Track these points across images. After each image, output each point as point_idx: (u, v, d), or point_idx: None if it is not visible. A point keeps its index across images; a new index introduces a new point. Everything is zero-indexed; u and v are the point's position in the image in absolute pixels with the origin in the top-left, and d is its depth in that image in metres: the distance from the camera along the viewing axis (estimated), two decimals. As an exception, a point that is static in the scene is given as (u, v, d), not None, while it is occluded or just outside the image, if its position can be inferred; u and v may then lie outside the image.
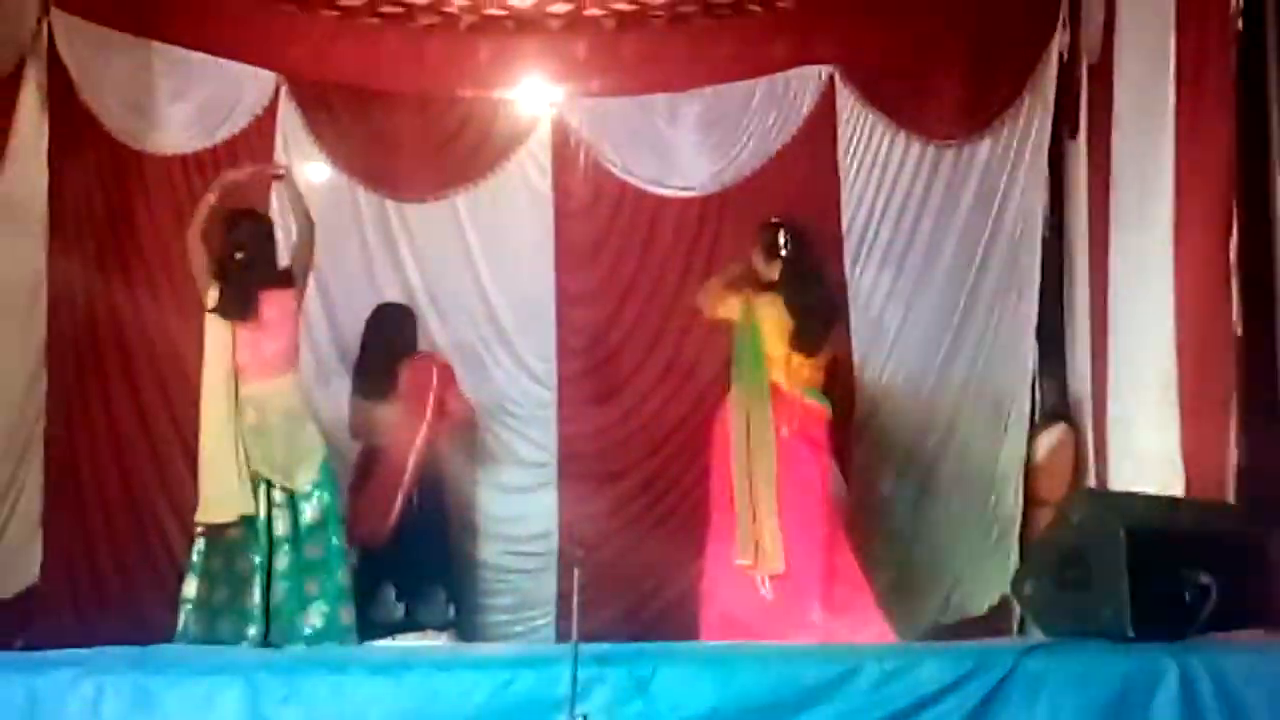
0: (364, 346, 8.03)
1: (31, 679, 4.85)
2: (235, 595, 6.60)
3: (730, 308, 7.14)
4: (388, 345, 8.01)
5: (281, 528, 6.72)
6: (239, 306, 6.85)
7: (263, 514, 6.65)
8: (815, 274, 7.23)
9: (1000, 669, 4.86)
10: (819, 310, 7.13)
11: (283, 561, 6.67)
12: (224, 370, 6.77)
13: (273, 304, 6.92)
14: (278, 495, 6.72)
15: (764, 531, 6.79)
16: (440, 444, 7.96)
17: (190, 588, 6.60)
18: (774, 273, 7.12)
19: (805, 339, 7.01)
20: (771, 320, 7.02)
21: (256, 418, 6.78)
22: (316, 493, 6.81)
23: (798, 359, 7.00)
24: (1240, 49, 5.76)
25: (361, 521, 7.54)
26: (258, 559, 6.59)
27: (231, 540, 6.65)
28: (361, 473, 7.83)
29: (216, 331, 6.83)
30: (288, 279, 7.05)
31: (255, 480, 6.69)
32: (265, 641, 6.46)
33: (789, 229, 7.18)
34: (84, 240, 8.13)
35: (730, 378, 7.16)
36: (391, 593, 7.75)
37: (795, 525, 6.85)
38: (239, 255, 6.93)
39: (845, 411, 8.09)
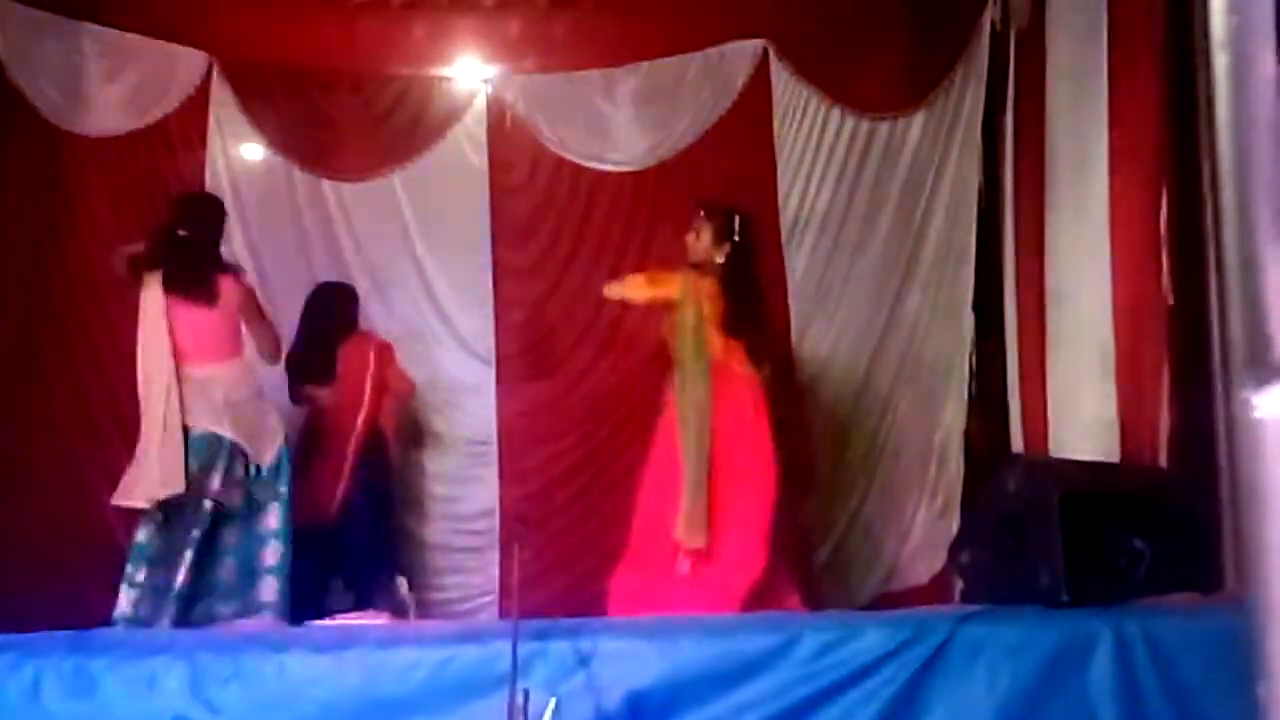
0: (303, 326, 7.98)
1: (-31, 664, 4.83)
2: (175, 573, 6.58)
3: (670, 285, 7.09)
4: (328, 325, 7.97)
5: (238, 501, 6.74)
6: (187, 282, 6.83)
7: (217, 483, 6.65)
8: (753, 262, 7.24)
9: (938, 636, 4.91)
10: (752, 298, 7.15)
11: (233, 537, 6.68)
12: (163, 348, 6.72)
13: (221, 288, 6.92)
14: (239, 470, 6.73)
15: (699, 509, 6.78)
16: (383, 424, 7.95)
17: (134, 571, 6.58)
18: (720, 255, 7.07)
19: (736, 324, 7.00)
20: (710, 300, 7.00)
21: (225, 395, 6.78)
22: (278, 475, 6.82)
23: (731, 341, 7.01)
24: (1170, 17, 5.81)
25: (305, 505, 7.51)
26: (196, 532, 6.57)
27: (176, 518, 6.62)
28: (303, 455, 7.79)
29: (153, 310, 6.77)
30: (235, 270, 7.09)
31: (231, 451, 6.70)
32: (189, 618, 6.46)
33: (741, 215, 7.19)
34: (18, 223, 8.06)
35: (673, 356, 7.13)
36: (338, 577, 7.72)
37: (737, 504, 6.84)
38: (182, 233, 6.92)
39: (784, 385, 8.12)
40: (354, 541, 7.69)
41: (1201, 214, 5.63)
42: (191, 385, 6.76)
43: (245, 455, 6.82)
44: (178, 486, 6.59)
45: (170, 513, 6.64)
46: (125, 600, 6.51)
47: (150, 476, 6.62)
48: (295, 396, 7.91)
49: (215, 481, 6.69)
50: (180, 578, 6.53)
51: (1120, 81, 6.28)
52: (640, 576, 6.78)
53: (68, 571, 7.58)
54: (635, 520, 6.94)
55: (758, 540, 6.75)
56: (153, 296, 6.79)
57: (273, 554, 6.77)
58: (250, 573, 6.73)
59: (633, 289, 7.23)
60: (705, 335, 6.90)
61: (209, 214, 7.17)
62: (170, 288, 6.81)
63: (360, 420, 7.75)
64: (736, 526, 6.73)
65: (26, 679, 4.78)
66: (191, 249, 6.94)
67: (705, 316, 6.92)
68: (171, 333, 6.78)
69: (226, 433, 6.72)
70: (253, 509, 6.81)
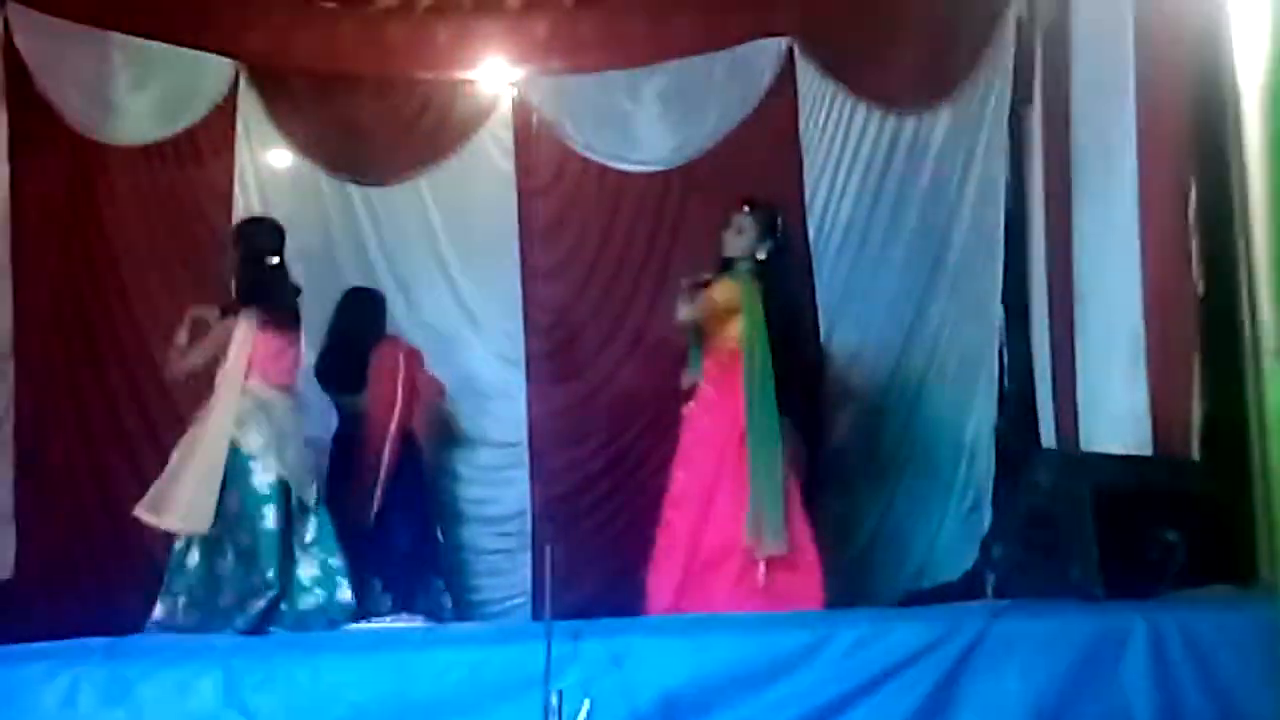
0: (332, 332, 8.00)
1: (6, 672, 4.86)
2: (219, 594, 6.55)
3: (732, 291, 6.99)
4: (358, 332, 8.00)
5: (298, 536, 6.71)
6: (289, 311, 6.87)
7: (272, 523, 6.57)
8: (793, 261, 7.26)
9: (971, 632, 4.91)
10: (795, 297, 7.17)
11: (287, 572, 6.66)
12: (239, 376, 6.68)
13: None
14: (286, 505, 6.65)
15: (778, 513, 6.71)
16: (414, 428, 7.96)
17: (170, 580, 6.55)
18: (762, 252, 7.01)
19: (782, 329, 6.99)
20: (760, 298, 6.95)
21: (278, 424, 6.71)
22: (320, 511, 6.79)
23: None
24: (1196, 6, 5.79)
25: (341, 510, 7.49)
26: (270, 573, 6.51)
27: (212, 541, 6.59)
28: (337, 463, 7.81)
29: (245, 338, 6.68)
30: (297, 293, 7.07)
31: (281, 485, 6.63)
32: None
33: (782, 213, 7.19)
34: (48, 232, 8.10)
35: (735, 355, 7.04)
36: (378, 583, 7.71)
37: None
38: (273, 260, 6.88)
39: (814, 380, 8.11)
40: (393, 546, 7.70)
41: (1230, 203, 5.60)
42: (254, 403, 6.71)
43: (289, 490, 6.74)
44: (202, 526, 6.51)
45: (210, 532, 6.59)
46: (161, 609, 6.50)
47: (181, 501, 6.56)
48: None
49: (270, 517, 6.63)
50: (244, 599, 6.49)
51: (1146, 71, 6.25)
52: (696, 588, 6.70)
53: (102, 580, 7.63)
54: (675, 527, 6.87)
55: (807, 534, 6.75)
56: (247, 325, 6.69)
57: (320, 596, 6.65)
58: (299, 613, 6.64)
59: (705, 308, 7.02)
60: (767, 336, 6.87)
61: (283, 239, 7.09)
62: (274, 318, 6.76)
63: (393, 426, 7.77)
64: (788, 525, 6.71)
65: (62, 686, 4.80)
66: (284, 277, 6.94)
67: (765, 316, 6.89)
68: (250, 358, 6.72)
69: (273, 464, 6.66)
70: (303, 548, 6.75)
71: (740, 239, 6.95)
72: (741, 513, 6.61)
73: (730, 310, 6.86)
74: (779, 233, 7.05)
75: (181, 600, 6.50)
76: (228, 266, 6.93)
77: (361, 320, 8.05)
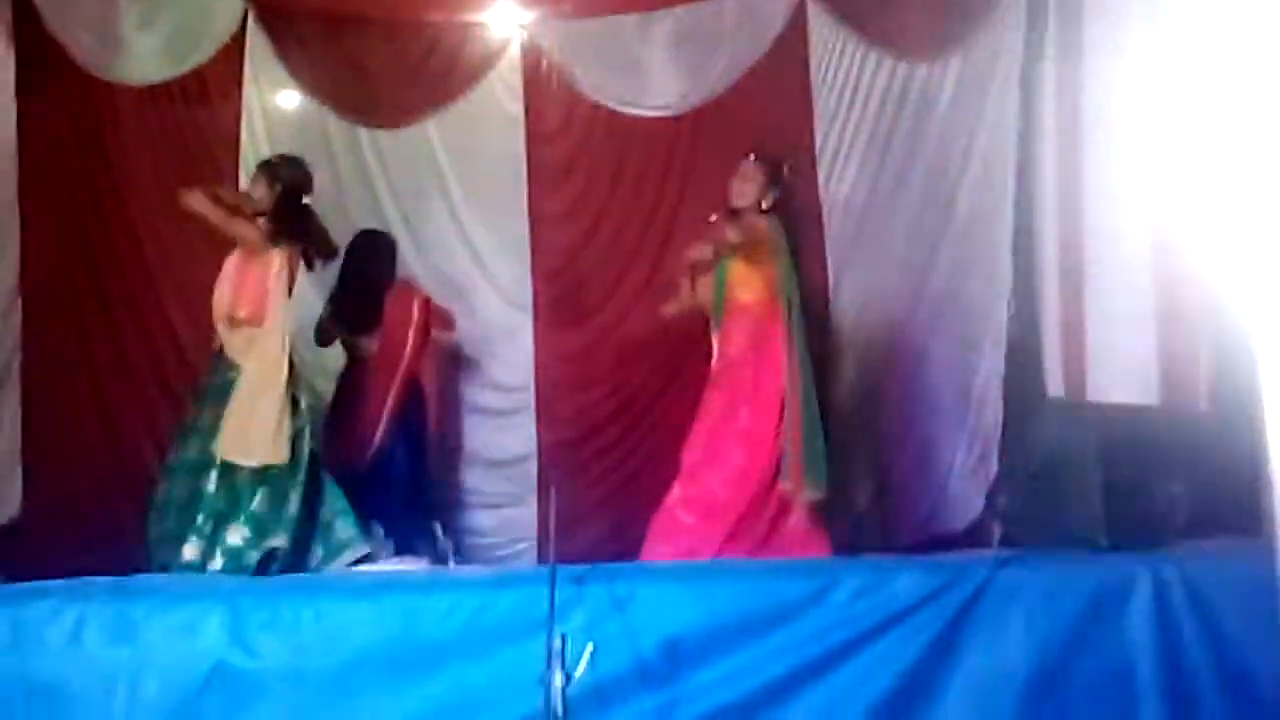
0: (345, 273, 7.97)
1: (12, 610, 4.88)
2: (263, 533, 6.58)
3: (768, 232, 7.05)
4: (373, 275, 7.98)
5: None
6: (324, 255, 7.06)
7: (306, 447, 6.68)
8: (791, 212, 7.26)
9: (975, 581, 4.92)
10: (795, 248, 7.17)
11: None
12: (284, 313, 6.75)
13: None
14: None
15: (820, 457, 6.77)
16: (421, 372, 7.95)
17: (204, 523, 6.55)
18: (768, 202, 7.04)
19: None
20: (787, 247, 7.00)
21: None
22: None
23: None
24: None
25: (338, 453, 7.50)
26: (295, 496, 6.59)
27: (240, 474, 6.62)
28: (339, 403, 7.81)
29: (285, 278, 6.77)
30: None
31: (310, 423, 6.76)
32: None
33: (787, 163, 7.20)
34: (55, 172, 8.08)
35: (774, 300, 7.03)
36: (378, 527, 7.72)
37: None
38: (307, 200, 6.98)
39: (820, 330, 8.09)
40: (391, 489, 7.70)
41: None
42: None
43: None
44: (283, 455, 6.59)
45: (232, 468, 6.61)
46: (191, 550, 6.49)
47: (265, 437, 6.58)
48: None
49: (305, 446, 6.68)
50: (284, 539, 6.53)
51: (1161, 19, 6.21)
52: (731, 542, 6.74)
53: (110, 519, 7.63)
54: (707, 483, 6.88)
55: None
56: (286, 264, 6.78)
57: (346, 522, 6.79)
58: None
59: (748, 234, 7.03)
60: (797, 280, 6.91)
61: (312, 182, 7.13)
62: (311, 260, 6.97)
63: (401, 370, 7.75)
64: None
65: (68, 624, 4.83)
66: (318, 218, 7.01)
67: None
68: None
69: (304, 399, 6.76)
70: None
71: (748, 187, 6.97)
72: (774, 465, 6.68)
73: (761, 247, 6.89)
74: (785, 181, 7.05)
75: (209, 542, 6.49)
76: (256, 201, 6.94)
77: (374, 262, 8.03)
